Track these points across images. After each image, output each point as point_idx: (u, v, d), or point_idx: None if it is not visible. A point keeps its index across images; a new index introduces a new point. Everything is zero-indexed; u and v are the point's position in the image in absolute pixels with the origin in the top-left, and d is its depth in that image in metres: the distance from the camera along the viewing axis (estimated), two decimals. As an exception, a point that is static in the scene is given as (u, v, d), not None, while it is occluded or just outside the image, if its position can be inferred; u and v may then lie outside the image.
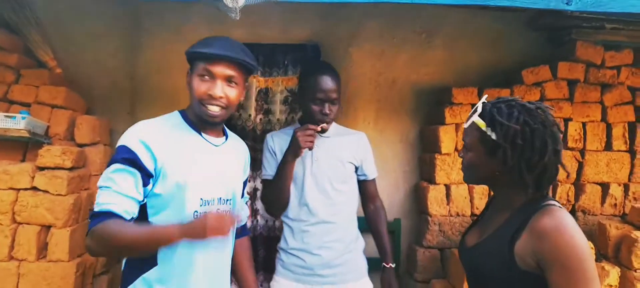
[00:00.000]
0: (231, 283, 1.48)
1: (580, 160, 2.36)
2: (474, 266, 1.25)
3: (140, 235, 1.18)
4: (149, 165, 1.23)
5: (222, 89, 1.30)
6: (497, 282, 1.16)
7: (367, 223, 1.99)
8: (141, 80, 2.57)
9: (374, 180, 1.97)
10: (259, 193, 2.47)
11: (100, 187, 1.22)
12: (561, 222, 1.06)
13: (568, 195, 2.36)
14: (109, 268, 2.33)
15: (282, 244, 1.85)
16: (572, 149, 2.35)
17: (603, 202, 2.36)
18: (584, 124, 2.35)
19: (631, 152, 2.36)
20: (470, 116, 1.21)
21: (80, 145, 2.24)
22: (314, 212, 1.77)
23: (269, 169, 1.82)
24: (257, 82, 2.54)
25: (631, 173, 2.36)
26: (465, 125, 1.24)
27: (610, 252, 2.07)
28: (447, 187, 2.35)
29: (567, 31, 2.37)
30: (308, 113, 1.78)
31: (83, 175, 2.15)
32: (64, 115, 2.24)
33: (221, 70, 1.29)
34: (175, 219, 1.26)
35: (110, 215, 1.19)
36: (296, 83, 2.48)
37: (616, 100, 2.36)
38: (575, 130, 2.34)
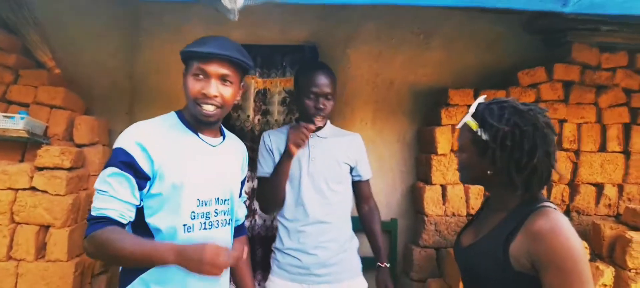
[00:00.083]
0: (229, 283, 1.49)
1: (575, 161, 2.38)
2: (469, 266, 1.26)
3: (136, 250, 1.16)
4: (146, 168, 1.23)
5: (217, 88, 1.29)
6: (491, 282, 1.17)
7: (361, 224, 2.01)
8: (140, 80, 2.58)
9: (368, 181, 1.99)
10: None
11: (98, 191, 1.22)
12: (556, 223, 1.06)
13: (563, 196, 2.38)
14: (107, 268, 2.34)
15: (277, 244, 1.86)
16: (567, 150, 2.37)
17: (597, 202, 2.38)
18: (579, 125, 2.37)
19: (625, 153, 2.39)
20: (466, 116, 1.22)
21: (79, 146, 2.24)
22: (310, 212, 1.79)
23: (266, 167, 1.83)
24: (256, 83, 2.55)
25: (625, 174, 2.38)
26: (458, 126, 1.26)
27: (604, 252, 2.09)
28: (443, 187, 2.37)
29: (563, 33, 2.39)
30: (303, 109, 1.79)
31: (82, 175, 2.16)
32: (63, 116, 2.24)
33: (215, 69, 1.28)
34: (172, 220, 1.26)
35: (107, 221, 1.19)
36: (294, 87, 2.49)
37: (611, 101, 2.38)
38: (570, 131, 2.36)
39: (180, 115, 1.38)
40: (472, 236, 1.29)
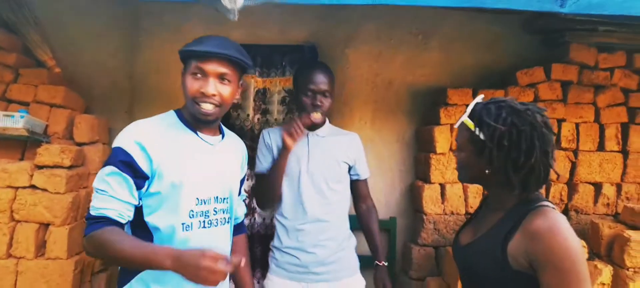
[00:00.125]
0: (228, 281, 1.49)
1: (574, 160, 2.38)
2: (468, 265, 1.27)
3: (134, 254, 1.15)
4: (144, 167, 1.23)
5: (215, 87, 1.29)
6: (490, 281, 1.17)
7: (359, 223, 2.01)
8: (140, 80, 2.59)
9: (365, 180, 2.00)
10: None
11: (96, 190, 1.22)
12: (554, 223, 1.06)
13: (561, 195, 2.39)
14: (107, 266, 2.34)
15: (275, 243, 1.86)
16: (565, 149, 2.38)
17: (596, 201, 2.39)
18: (577, 125, 2.38)
19: (624, 152, 2.39)
20: (463, 115, 1.23)
21: (79, 144, 2.25)
22: (309, 210, 1.79)
23: (265, 163, 1.84)
24: (255, 82, 2.55)
25: (624, 173, 2.39)
26: (456, 125, 1.26)
27: (603, 250, 2.09)
28: (442, 186, 2.37)
29: (561, 33, 2.40)
30: (301, 107, 1.80)
31: (82, 173, 2.16)
32: (63, 114, 2.25)
33: (213, 67, 1.28)
34: (171, 219, 1.26)
35: (106, 220, 1.20)
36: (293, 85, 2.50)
37: (609, 101, 2.39)
38: (569, 130, 2.37)
39: (179, 114, 1.38)
40: (470, 235, 1.29)
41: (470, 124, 1.18)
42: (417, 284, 2.37)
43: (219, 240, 1.39)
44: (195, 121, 1.35)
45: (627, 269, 1.95)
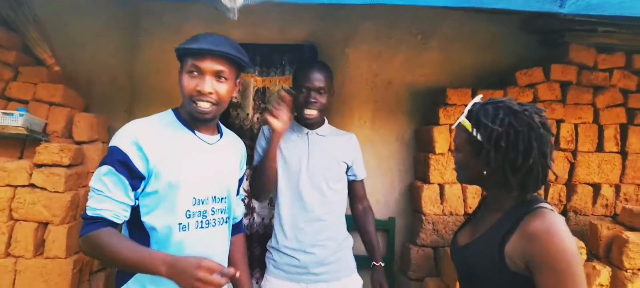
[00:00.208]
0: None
1: (572, 161, 2.38)
2: (466, 265, 1.26)
3: (130, 258, 1.15)
4: (141, 167, 1.23)
5: (211, 85, 1.28)
6: (487, 282, 1.17)
7: (356, 223, 2.02)
8: (140, 79, 2.59)
9: (362, 181, 2.00)
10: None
11: (93, 189, 1.22)
12: (551, 225, 1.06)
13: (560, 196, 2.39)
14: (105, 265, 2.34)
15: (273, 243, 1.85)
16: (564, 150, 2.38)
17: (594, 202, 2.39)
18: (576, 126, 2.38)
19: (622, 153, 2.39)
20: (460, 117, 1.23)
21: (78, 143, 2.24)
22: (309, 209, 1.79)
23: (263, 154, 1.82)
24: (255, 81, 2.55)
25: (622, 174, 2.39)
26: (454, 126, 1.26)
27: (601, 252, 2.09)
28: (441, 187, 2.37)
29: (560, 34, 2.40)
30: (296, 103, 1.80)
31: (81, 172, 2.16)
32: (62, 113, 2.25)
33: (209, 65, 1.27)
34: (168, 219, 1.26)
35: (102, 221, 1.20)
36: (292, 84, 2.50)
37: (608, 102, 2.39)
38: (568, 131, 2.37)
39: (177, 113, 1.37)
40: (468, 235, 1.29)
41: (468, 124, 1.18)
42: (416, 285, 2.37)
43: (216, 241, 1.38)
44: (192, 120, 1.35)
45: (626, 270, 1.95)
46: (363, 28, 2.60)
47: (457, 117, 1.23)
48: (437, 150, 2.34)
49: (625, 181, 2.39)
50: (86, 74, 2.52)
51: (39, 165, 2.02)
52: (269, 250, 1.88)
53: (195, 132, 1.36)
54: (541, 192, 2.34)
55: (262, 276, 1.99)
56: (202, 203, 1.33)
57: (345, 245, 1.89)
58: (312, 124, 1.85)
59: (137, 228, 1.28)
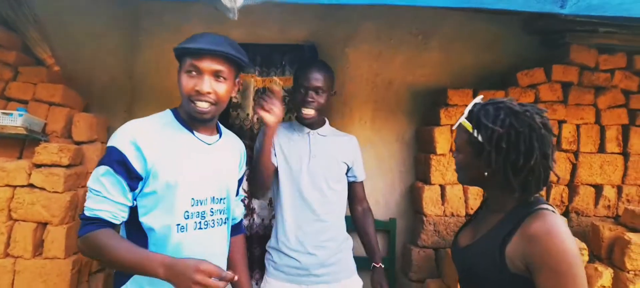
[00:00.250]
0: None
1: (574, 162, 2.38)
2: (466, 266, 1.26)
3: (128, 259, 1.15)
4: (138, 168, 1.22)
5: (210, 85, 1.27)
6: (488, 283, 1.16)
7: (355, 225, 2.01)
8: (139, 79, 2.58)
9: (362, 182, 2.00)
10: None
11: (91, 190, 1.21)
12: (552, 226, 1.05)
13: (562, 197, 2.38)
14: (105, 266, 2.33)
15: (273, 244, 1.84)
16: (566, 151, 2.37)
17: (596, 203, 2.38)
18: (577, 126, 2.37)
19: (624, 154, 2.38)
20: (461, 117, 1.22)
21: (78, 143, 2.24)
22: (310, 209, 1.78)
23: None
24: (255, 81, 2.55)
25: (624, 175, 2.38)
26: (454, 127, 1.25)
27: (603, 253, 2.08)
28: (442, 187, 2.37)
29: (561, 34, 2.40)
30: (295, 103, 1.80)
31: (80, 172, 2.15)
32: (62, 113, 2.24)
33: (208, 65, 1.26)
34: (166, 220, 1.25)
35: (100, 222, 1.19)
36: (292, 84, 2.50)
37: (610, 103, 2.38)
38: (569, 132, 2.36)
39: (176, 113, 1.37)
40: (469, 236, 1.29)
41: (468, 125, 1.17)
42: (417, 286, 2.36)
43: (215, 242, 1.38)
44: (191, 120, 1.34)
45: (628, 272, 1.94)
46: (363, 28, 2.59)
47: (458, 117, 1.23)
48: (438, 151, 2.33)
49: (627, 182, 2.38)
50: (86, 73, 2.51)
51: (38, 165, 2.01)
52: (268, 251, 1.87)
53: (194, 132, 1.36)
54: (543, 193, 2.33)
55: (261, 277, 1.99)
56: (201, 204, 1.32)
57: (345, 246, 1.88)
58: (313, 124, 1.85)
59: (135, 229, 1.27)
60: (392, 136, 2.63)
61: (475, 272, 1.20)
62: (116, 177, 1.20)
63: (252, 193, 1.90)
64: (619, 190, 2.39)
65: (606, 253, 2.08)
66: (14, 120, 2.02)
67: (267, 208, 2.46)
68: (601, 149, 2.39)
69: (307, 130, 1.85)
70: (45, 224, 2.01)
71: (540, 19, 2.39)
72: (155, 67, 2.55)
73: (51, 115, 2.24)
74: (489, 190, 1.27)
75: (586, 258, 1.97)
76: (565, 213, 2.38)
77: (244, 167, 1.61)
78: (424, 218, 2.35)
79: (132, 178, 1.22)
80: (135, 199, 1.25)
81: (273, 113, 1.62)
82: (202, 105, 1.28)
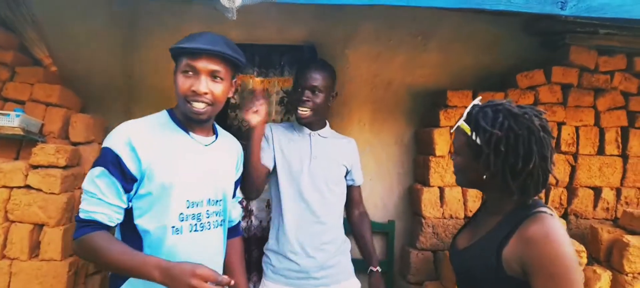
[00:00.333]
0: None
1: (573, 164, 2.37)
2: (464, 269, 1.25)
3: (124, 262, 1.14)
4: (133, 169, 1.21)
5: (207, 85, 1.26)
6: (485, 285, 1.16)
7: (352, 229, 2.00)
8: (138, 79, 2.57)
9: (359, 187, 2.00)
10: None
11: (86, 192, 1.20)
12: (550, 230, 1.05)
13: (561, 199, 2.38)
14: (100, 268, 2.32)
15: (271, 246, 1.82)
16: (565, 153, 2.36)
17: (595, 205, 2.37)
18: (577, 128, 2.37)
19: (623, 156, 2.38)
20: (460, 119, 1.21)
21: (75, 144, 2.23)
22: (310, 210, 1.77)
23: (262, 154, 1.77)
24: (253, 82, 2.54)
25: (623, 177, 2.38)
26: (452, 130, 1.24)
27: (602, 255, 2.08)
28: (441, 190, 2.36)
29: (561, 36, 2.39)
30: (292, 101, 1.79)
31: (77, 173, 2.14)
32: (59, 113, 2.23)
33: (204, 65, 1.25)
34: (160, 222, 1.24)
35: (96, 224, 1.18)
36: (292, 84, 2.49)
37: (609, 104, 2.37)
38: (569, 134, 2.35)
39: (171, 113, 1.36)
40: (467, 239, 1.28)
41: (467, 128, 1.17)
42: (415, 288, 2.36)
43: (211, 244, 1.37)
44: (187, 121, 1.33)
45: (626, 274, 1.94)
46: (363, 29, 2.59)
47: (458, 119, 1.22)
48: (437, 153, 2.32)
49: (626, 184, 2.38)
50: (83, 74, 2.50)
51: (35, 166, 2.00)
52: (266, 254, 1.85)
53: (190, 133, 1.35)
54: (542, 195, 2.33)
55: (259, 279, 1.97)
56: (197, 205, 1.31)
57: (343, 248, 1.88)
58: (314, 125, 1.84)
59: (129, 231, 1.26)
60: (391, 138, 2.63)
61: (472, 275, 1.20)
62: (111, 178, 1.19)
63: (244, 195, 1.89)
64: (618, 192, 2.38)
65: (605, 256, 2.08)
66: (11, 121, 2.01)
67: (265, 210, 2.45)
68: (600, 151, 2.38)
69: (308, 131, 1.84)
70: (41, 226, 1.99)
71: (540, 21, 2.39)
72: (153, 67, 2.54)
73: (48, 115, 2.23)
74: (487, 193, 1.27)
75: (585, 260, 1.97)
76: (564, 216, 2.38)
77: (241, 169, 1.59)
78: (423, 221, 2.34)
79: (127, 179, 1.21)
80: (130, 201, 1.24)
81: (259, 113, 1.60)
82: (199, 106, 1.27)
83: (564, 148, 2.35)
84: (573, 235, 2.28)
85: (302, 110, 1.75)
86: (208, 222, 1.35)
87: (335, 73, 1.87)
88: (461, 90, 2.37)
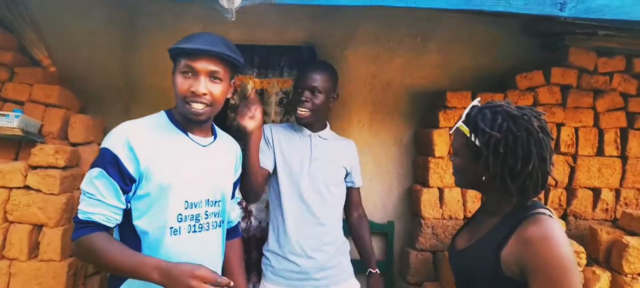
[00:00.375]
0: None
1: (573, 165, 2.37)
2: (463, 269, 1.25)
3: (123, 263, 1.14)
4: (131, 170, 1.21)
5: (206, 86, 1.26)
6: (483, 286, 1.16)
7: (351, 231, 2.00)
8: (137, 80, 2.57)
9: (358, 189, 1.99)
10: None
11: (84, 193, 1.20)
12: (548, 231, 1.05)
13: (560, 200, 2.38)
14: (99, 269, 2.32)
15: (271, 247, 1.81)
16: (564, 154, 2.36)
17: (595, 206, 2.37)
18: (576, 129, 2.37)
19: (623, 157, 2.38)
20: (459, 120, 1.21)
21: (74, 144, 2.23)
22: (310, 212, 1.77)
23: (262, 156, 1.77)
24: (253, 83, 2.53)
25: (622, 178, 2.38)
26: (451, 131, 1.24)
27: (601, 256, 2.08)
28: (441, 190, 2.36)
29: (560, 37, 2.39)
30: (291, 102, 1.79)
31: (76, 174, 2.14)
32: (58, 114, 2.23)
33: (203, 65, 1.25)
34: (159, 223, 1.24)
35: (95, 225, 1.18)
36: (291, 85, 2.49)
37: (608, 106, 2.38)
38: (568, 135, 2.36)
39: (170, 114, 1.36)
40: (466, 239, 1.28)
41: (466, 129, 1.17)
42: (415, 289, 2.36)
43: (209, 245, 1.36)
44: (185, 121, 1.33)
45: (625, 275, 1.94)
46: (362, 30, 2.59)
47: (457, 120, 1.22)
48: (437, 154, 2.32)
49: (625, 185, 2.38)
50: (83, 74, 2.50)
51: (34, 167, 2.00)
52: (265, 255, 1.85)
53: (188, 133, 1.34)
54: (541, 196, 2.33)
55: (258, 280, 1.97)
56: (195, 206, 1.31)
57: (343, 249, 1.88)
58: (314, 126, 1.84)
59: (128, 231, 1.26)
60: (391, 138, 2.63)
61: (471, 275, 1.20)
62: (109, 179, 1.19)
63: (244, 197, 1.88)
64: (617, 193, 2.39)
65: (604, 257, 2.08)
66: (10, 122, 2.00)
67: (265, 210, 2.45)
68: (599, 152, 2.39)
69: (308, 132, 1.84)
70: (41, 226, 1.99)
71: (539, 22, 2.39)
72: (153, 67, 2.54)
73: (47, 116, 2.22)
74: (486, 194, 1.27)
75: (584, 261, 1.97)
76: (564, 217, 2.38)
77: (240, 170, 1.59)
78: (422, 221, 2.34)
79: (126, 180, 1.21)
80: (129, 202, 1.24)
81: (255, 118, 1.58)
82: (198, 107, 1.27)
83: (563, 149, 2.35)
84: (572, 236, 2.28)
85: (301, 111, 1.74)
86: (206, 223, 1.34)
87: (337, 75, 1.87)
88: (460, 91, 2.37)
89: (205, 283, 1.07)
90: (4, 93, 2.22)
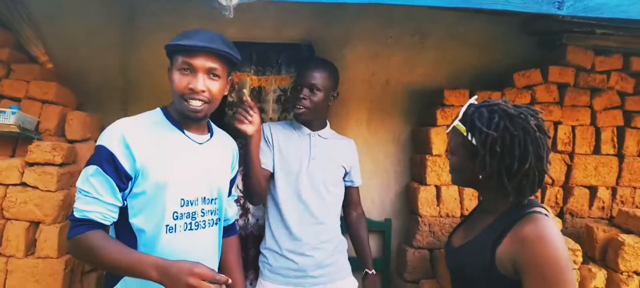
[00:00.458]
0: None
1: (569, 163, 2.38)
2: (458, 267, 1.26)
3: (120, 261, 1.13)
4: (127, 167, 1.20)
5: (204, 82, 1.26)
6: (478, 283, 1.16)
7: (349, 230, 2.01)
8: (134, 77, 2.56)
9: (358, 188, 2.00)
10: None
11: (80, 190, 1.20)
12: (544, 231, 1.05)
13: (557, 198, 2.39)
14: (96, 268, 2.31)
15: (268, 245, 1.82)
16: (561, 152, 2.37)
17: (591, 205, 2.38)
18: (573, 128, 2.38)
19: (619, 156, 2.39)
20: (456, 119, 1.21)
21: (71, 141, 2.22)
22: (308, 211, 1.77)
23: (263, 157, 1.78)
24: (251, 80, 2.53)
25: (619, 177, 2.39)
26: (448, 130, 1.24)
27: (597, 254, 2.09)
28: (438, 188, 2.36)
29: (558, 36, 2.40)
30: (290, 99, 1.79)
31: (73, 171, 2.13)
32: (55, 111, 2.22)
33: (202, 62, 1.25)
34: (155, 220, 1.24)
35: (91, 223, 1.17)
36: (289, 82, 2.49)
37: (605, 104, 2.38)
38: (565, 133, 2.36)
39: (166, 111, 1.35)
40: (462, 237, 1.29)
41: (462, 128, 1.17)
42: (412, 287, 2.36)
43: (206, 243, 1.36)
44: (182, 119, 1.33)
45: (621, 273, 1.95)
46: (360, 28, 2.58)
47: (455, 118, 1.22)
48: (434, 152, 2.32)
49: (621, 184, 2.39)
50: (80, 71, 2.49)
51: (31, 164, 1.99)
52: (262, 253, 1.85)
53: (185, 131, 1.34)
54: (538, 194, 2.33)
55: (256, 277, 1.98)
56: (191, 204, 1.30)
57: (340, 247, 1.88)
58: (313, 125, 1.84)
59: (124, 229, 1.25)
60: (388, 136, 2.63)
61: (466, 273, 1.21)
62: (105, 176, 1.18)
63: (247, 199, 1.88)
64: (614, 191, 2.39)
65: (600, 255, 2.09)
66: (6, 118, 2.00)
67: (262, 208, 2.45)
68: (596, 151, 2.39)
69: (307, 131, 1.84)
70: (37, 223, 1.99)
71: (537, 20, 2.39)
72: (151, 64, 2.53)
73: (44, 113, 2.22)
74: (483, 192, 1.27)
75: (580, 259, 1.98)
76: (560, 215, 2.39)
77: (237, 167, 1.59)
78: (419, 219, 2.35)
79: (122, 177, 1.20)
80: (125, 199, 1.24)
81: (253, 123, 1.57)
82: (195, 104, 1.27)
83: (560, 147, 2.36)
84: (569, 234, 2.29)
85: (299, 108, 1.74)
86: (203, 221, 1.34)
87: (338, 73, 1.86)
88: (458, 89, 2.38)
89: (204, 280, 1.07)
90: (0, 90, 2.21)
